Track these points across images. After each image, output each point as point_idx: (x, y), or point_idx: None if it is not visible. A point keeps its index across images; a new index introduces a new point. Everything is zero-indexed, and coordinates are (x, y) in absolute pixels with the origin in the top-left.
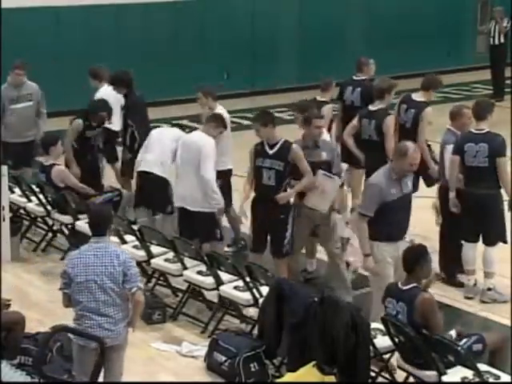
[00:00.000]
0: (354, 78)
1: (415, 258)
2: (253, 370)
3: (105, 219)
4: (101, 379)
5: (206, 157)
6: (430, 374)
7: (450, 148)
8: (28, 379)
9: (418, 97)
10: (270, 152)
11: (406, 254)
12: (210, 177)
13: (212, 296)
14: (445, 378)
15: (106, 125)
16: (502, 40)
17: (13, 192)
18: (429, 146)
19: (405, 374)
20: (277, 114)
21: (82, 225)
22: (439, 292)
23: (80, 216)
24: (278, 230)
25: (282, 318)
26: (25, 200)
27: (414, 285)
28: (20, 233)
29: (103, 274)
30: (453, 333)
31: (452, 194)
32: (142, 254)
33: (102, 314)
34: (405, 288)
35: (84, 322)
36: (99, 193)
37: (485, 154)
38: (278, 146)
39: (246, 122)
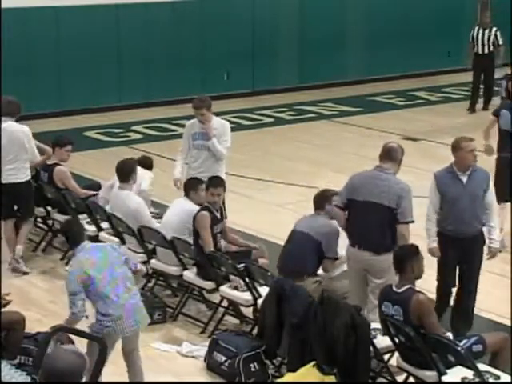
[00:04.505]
0: None
1: (404, 257)
2: (253, 370)
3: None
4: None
5: None
6: (430, 374)
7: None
8: (28, 379)
9: None
10: (219, 216)
11: (396, 253)
12: None
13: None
14: (445, 378)
15: None
16: (491, 49)
17: None
18: None
19: (405, 374)
20: (277, 114)
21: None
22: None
23: (80, 216)
24: None
25: (282, 318)
26: None
27: (408, 286)
28: None
29: (116, 261)
30: (449, 335)
31: None
32: (141, 254)
33: (131, 297)
34: (399, 291)
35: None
36: (97, 192)
37: None
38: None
39: (246, 122)
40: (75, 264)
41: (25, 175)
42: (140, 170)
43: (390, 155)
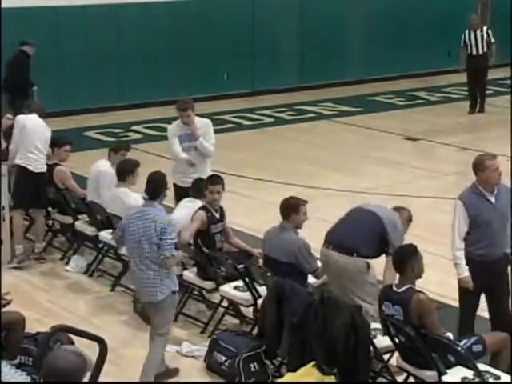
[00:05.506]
0: None
1: (404, 257)
2: (253, 370)
3: (157, 185)
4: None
5: None
6: (430, 374)
7: None
8: (28, 379)
9: None
10: (218, 216)
11: (395, 254)
12: None
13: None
14: (445, 378)
15: None
16: (485, 49)
17: None
18: None
19: (405, 374)
20: (277, 114)
21: (82, 225)
22: (439, 292)
23: (80, 216)
24: None
25: (282, 318)
26: None
27: (408, 286)
28: None
29: (145, 236)
30: (450, 335)
31: None
32: None
33: (144, 271)
34: (400, 291)
35: (134, 276)
36: None
37: None
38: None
39: (246, 122)
40: (131, 210)
41: (45, 166)
42: None
43: (399, 209)
